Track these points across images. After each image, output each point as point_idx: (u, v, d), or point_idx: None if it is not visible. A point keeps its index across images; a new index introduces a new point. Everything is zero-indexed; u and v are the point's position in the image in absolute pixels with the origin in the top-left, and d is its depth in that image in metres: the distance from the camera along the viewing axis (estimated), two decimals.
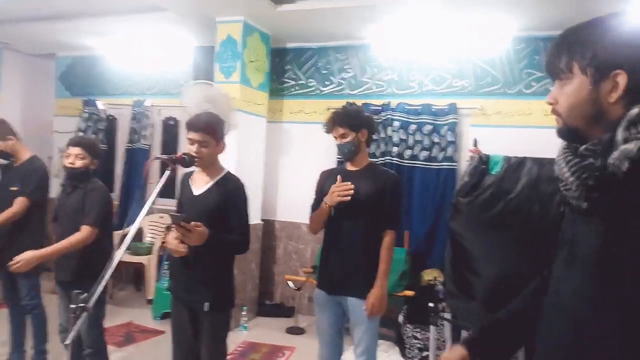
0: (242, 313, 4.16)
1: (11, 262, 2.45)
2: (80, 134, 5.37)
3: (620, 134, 0.87)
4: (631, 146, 0.84)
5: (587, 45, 0.94)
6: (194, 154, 2.10)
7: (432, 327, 2.40)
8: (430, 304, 2.38)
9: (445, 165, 4.10)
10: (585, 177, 0.90)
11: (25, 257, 2.45)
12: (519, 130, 3.89)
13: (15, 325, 3.07)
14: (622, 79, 0.90)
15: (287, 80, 4.82)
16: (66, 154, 2.58)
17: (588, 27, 0.96)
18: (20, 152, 3.03)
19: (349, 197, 2.18)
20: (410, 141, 4.23)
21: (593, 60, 0.92)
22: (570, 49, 0.96)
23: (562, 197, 1.03)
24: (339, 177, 2.25)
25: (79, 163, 2.53)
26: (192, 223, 1.91)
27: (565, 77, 0.97)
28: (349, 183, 2.20)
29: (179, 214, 1.98)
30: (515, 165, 3.48)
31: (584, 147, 0.94)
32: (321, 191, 2.35)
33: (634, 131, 0.86)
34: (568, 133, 1.01)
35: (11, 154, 3.00)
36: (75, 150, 2.55)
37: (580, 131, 0.98)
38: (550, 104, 1.02)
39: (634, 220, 0.85)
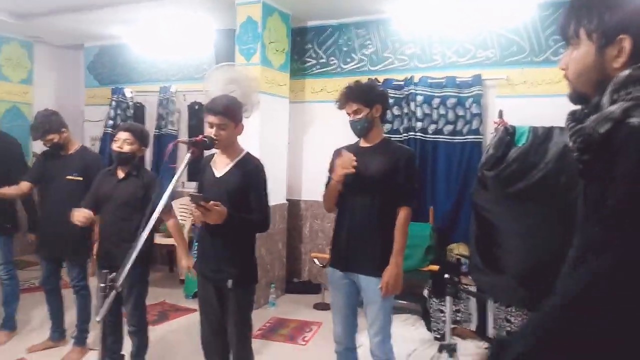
0: (271, 290, 4.26)
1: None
2: (111, 122, 5.54)
3: (605, 97, 0.86)
4: (614, 108, 0.83)
5: (593, 10, 0.92)
6: (213, 137, 2.14)
7: (448, 298, 2.41)
8: (446, 275, 2.38)
9: (471, 138, 4.02)
10: (580, 141, 0.91)
11: (185, 264, 2.55)
12: (547, 100, 3.76)
13: (54, 308, 3.24)
14: (627, 44, 0.88)
15: (308, 59, 4.80)
16: (115, 138, 2.66)
17: None
18: (71, 142, 3.15)
19: (354, 170, 2.12)
20: (434, 115, 4.15)
21: (599, 26, 0.91)
22: (578, 14, 0.95)
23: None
24: (343, 151, 2.21)
25: (126, 148, 2.61)
26: (211, 202, 1.97)
27: (575, 43, 0.97)
28: (351, 155, 2.14)
29: (198, 194, 2.04)
30: (543, 136, 3.37)
31: (583, 112, 0.94)
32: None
33: (623, 93, 0.84)
34: (577, 98, 1.01)
35: (64, 145, 3.10)
36: (124, 135, 2.62)
37: (589, 97, 0.98)
38: (562, 69, 1.03)
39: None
